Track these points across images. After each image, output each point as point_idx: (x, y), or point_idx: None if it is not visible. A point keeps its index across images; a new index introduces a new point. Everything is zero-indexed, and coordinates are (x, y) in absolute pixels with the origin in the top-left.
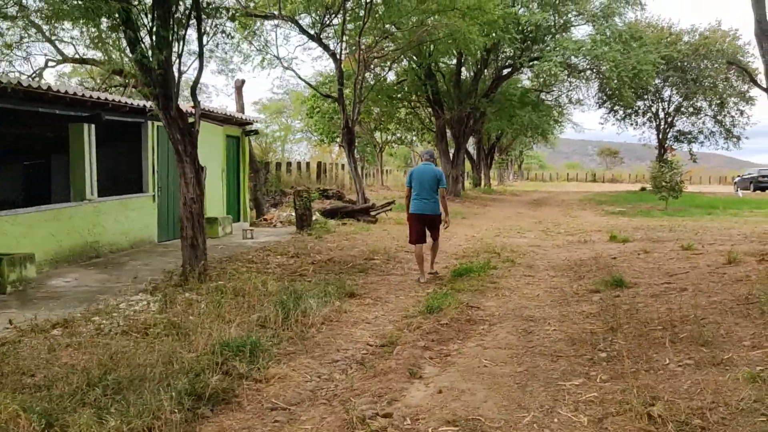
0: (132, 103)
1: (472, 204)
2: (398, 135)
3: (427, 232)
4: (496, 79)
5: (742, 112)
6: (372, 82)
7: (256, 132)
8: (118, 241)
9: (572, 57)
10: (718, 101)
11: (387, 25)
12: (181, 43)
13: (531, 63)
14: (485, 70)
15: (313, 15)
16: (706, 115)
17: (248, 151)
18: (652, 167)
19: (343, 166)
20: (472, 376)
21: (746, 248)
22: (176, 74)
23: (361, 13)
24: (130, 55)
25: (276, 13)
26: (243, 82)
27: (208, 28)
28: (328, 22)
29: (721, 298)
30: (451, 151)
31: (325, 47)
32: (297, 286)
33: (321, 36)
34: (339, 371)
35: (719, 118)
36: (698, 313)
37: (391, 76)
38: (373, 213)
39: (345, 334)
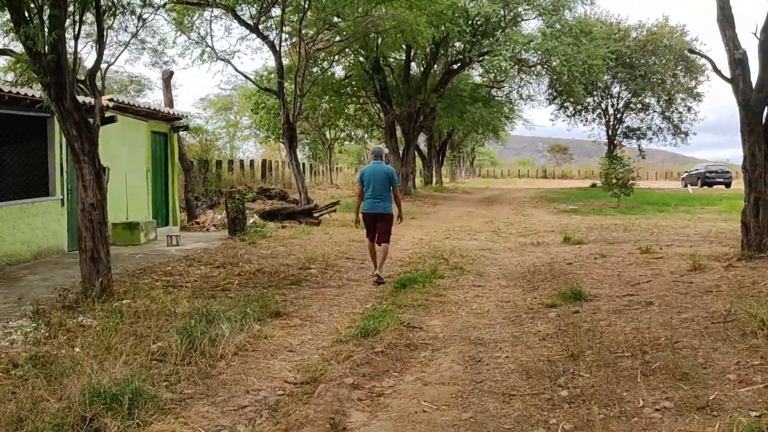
0: (34, 96)
1: (422, 203)
2: (347, 132)
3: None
4: (446, 74)
5: (689, 109)
6: (317, 76)
7: (185, 128)
8: (17, 251)
9: (522, 51)
10: (666, 97)
11: (331, 16)
12: (78, 24)
13: (481, 57)
14: (435, 65)
15: (252, 4)
16: (655, 111)
17: (177, 149)
18: (602, 163)
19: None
20: (407, 427)
21: (708, 251)
22: (88, 62)
23: (303, 2)
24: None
25: (210, 0)
26: (171, 73)
27: (116, 11)
28: (267, 11)
29: (692, 314)
30: (402, 148)
31: (264, 38)
32: (212, 306)
33: (260, 26)
34: (244, 422)
35: (667, 114)
36: (670, 334)
37: (339, 71)
38: (316, 214)
39: (260, 367)
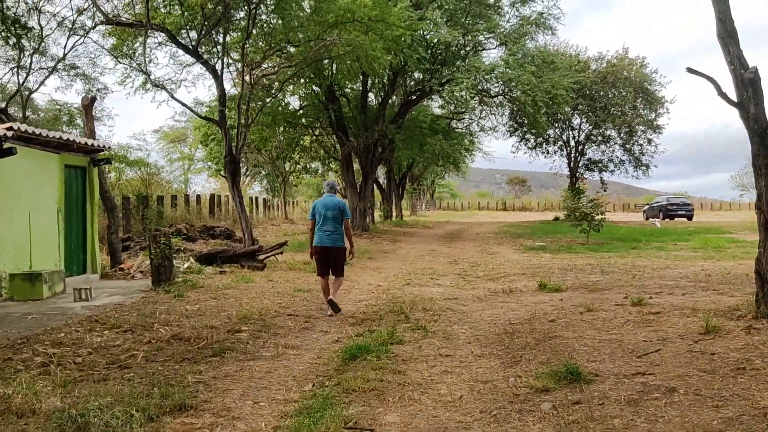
0: None
1: (381, 240)
2: (302, 165)
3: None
4: (404, 104)
5: (649, 141)
6: (265, 105)
7: (107, 161)
8: None
9: (484, 81)
10: (627, 129)
11: (279, 40)
12: None
13: (441, 86)
14: (393, 95)
15: (193, 28)
16: (616, 143)
17: (99, 185)
18: (565, 196)
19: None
20: None
21: (709, 302)
22: None
23: (248, 24)
24: None
25: (144, 21)
26: (93, 99)
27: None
28: (208, 33)
29: (735, 410)
30: (359, 181)
31: (205, 62)
32: (92, 401)
33: (202, 50)
34: None
35: (628, 146)
36: None
37: (294, 101)
38: (261, 257)
39: None
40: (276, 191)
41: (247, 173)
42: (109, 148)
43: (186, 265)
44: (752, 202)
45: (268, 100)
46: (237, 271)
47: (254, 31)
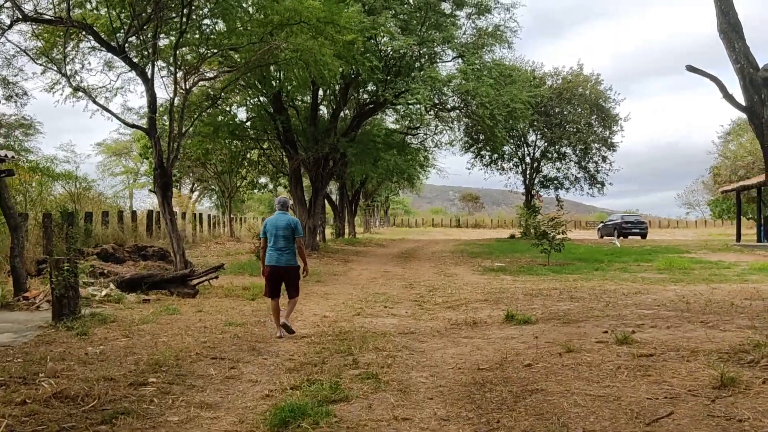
0: None
1: (331, 260)
2: (249, 179)
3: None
4: (357, 116)
5: (604, 158)
6: (202, 113)
7: (9, 173)
8: None
9: (441, 93)
10: (582, 147)
11: (219, 41)
12: None
13: (396, 97)
14: (345, 107)
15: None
16: (571, 160)
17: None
18: (520, 213)
19: (183, 215)
20: None
21: (704, 339)
22: None
23: (181, 22)
24: None
25: (63, 17)
26: None
27: None
28: (136, 31)
29: None
30: (310, 197)
31: (132, 64)
32: None
33: (132, 52)
34: None
35: (583, 163)
36: None
37: (242, 113)
38: (193, 282)
39: None
40: (223, 207)
41: (194, 188)
42: (13, 157)
43: (104, 293)
44: (699, 220)
45: (208, 110)
46: (164, 300)
47: (189, 31)
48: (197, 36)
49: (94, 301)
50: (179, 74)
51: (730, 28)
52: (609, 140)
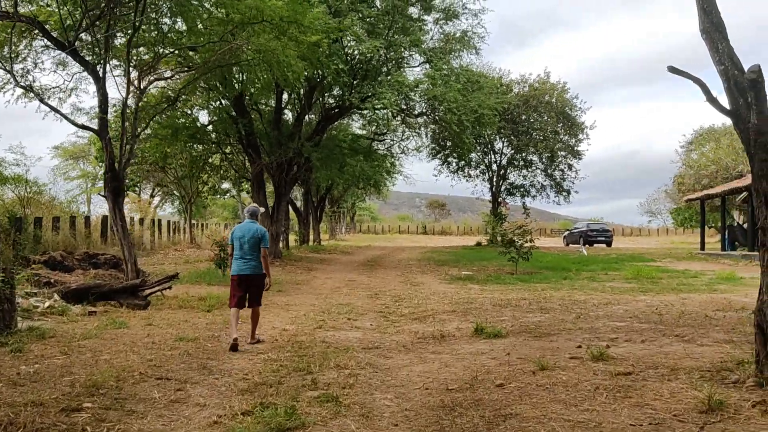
0: None
1: (295, 268)
2: (211, 185)
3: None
4: (323, 120)
5: (570, 166)
6: (158, 113)
7: None
8: None
9: (408, 97)
10: (549, 154)
11: (176, 39)
12: None
13: (363, 101)
14: (310, 111)
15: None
16: (538, 168)
17: None
18: (487, 221)
19: (142, 221)
20: None
21: (679, 353)
22: None
23: (135, 18)
24: None
25: (9, 12)
26: None
27: None
28: (88, 27)
29: None
30: (273, 203)
31: (83, 61)
32: None
33: (78, 46)
34: None
35: (549, 171)
36: None
37: (205, 116)
38: (148, 292)
39: None
40: (184, 213)
41: (154, 193)
42: None
43: (47, 305)
44: (660, 228)
45: (167, 112)
46: (111, 312)
47: (146, 29)
48: (154, 34)
49: (36, 314)
50: (133, 73)
51: (713, 27)
52: (575, 148)
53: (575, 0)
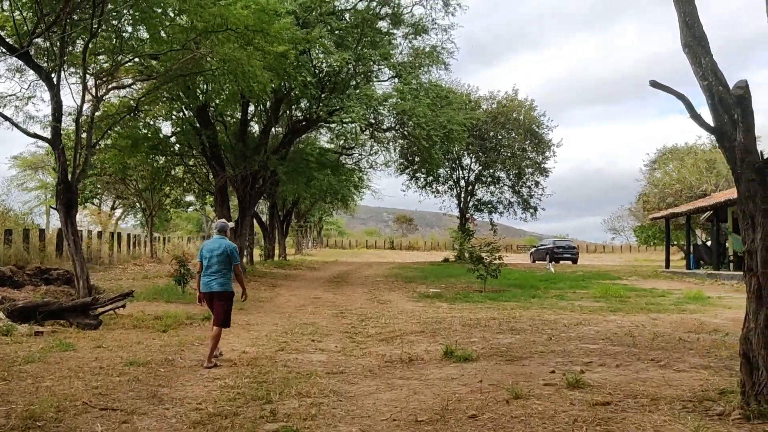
0: None
1: (258, 285)
2: (173, 197)
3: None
4: (289, 133)
5: (537, 183)
6: (120, 123)
7: None
8: None
9: (377, 111)
10: (516, 171)
11: (136, 46)
12: None
13: (330, 114)
14: (277, 124)
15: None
16: (505, 184)
17: None
18: (454, 237)
19: (100, 234)
20: None
21: (657, 379)
22: None
23: (93, 23)
24: None
25: None
26: None
27: None
28: (44, 32)
29: None
30: (237, 217)
31: (36, 67)
32: None
33: (33, 51)
34: None
35: (517, 188)
36: None
37: (168, 127)
38: (97, 311)
39: None
40: (155, 226)
41: (115, 205)
42: None
43: None
44: (624, 245)
45: (128, 122)
46: (60, 332)
47: (106, 36)
48: (114, 41)
49: None
50: (91, 81)
51: (696, 41)
52: (542, 165)
53: (540, 20)
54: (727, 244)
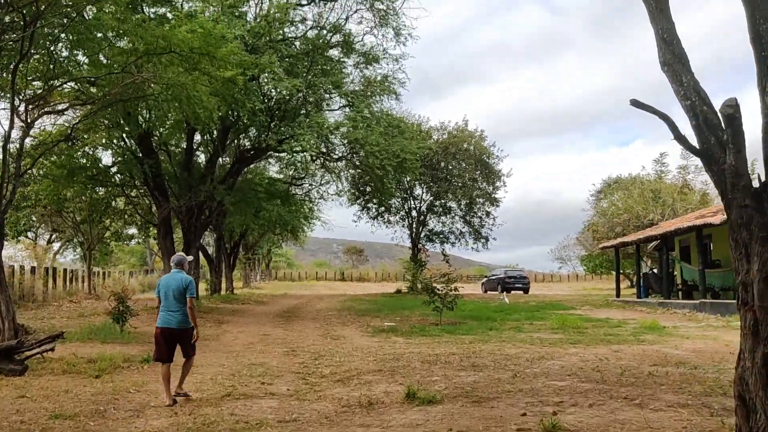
0: None
1: (205, 321)
2: (113, 230)
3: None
4: (237, 162)
5: (488, 213)
6: (48, 149)
7: None
8: None
9: (328, 140)
10: (467, 201)
11: (70, 68)
12: None
13: (281, 142)
14: (224, 153)
15: None
16: (457, 215)
17: None
18: (407, 267)
19: (33, 269)
20: None
21: (636, 422)
22: None
23: (25, 44)
24: None
25: None
26: None
27: None
28: None
29: None
30: (181, 250)
31: None
32: None
33: None
34: None
35: (468, 218)
36: None
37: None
38: (23, 355)
39: None
40: (96, 260)
41: (52, 239)
42: None
43: None
44: (571, 274)
45: (65, 150)
46: None
47: (40, 59)
48: (48, 65)
49: None
50: (20, 106)
51: (675, 59)
52: (492, 195)
53: (485, 55)
54: (674, 273)
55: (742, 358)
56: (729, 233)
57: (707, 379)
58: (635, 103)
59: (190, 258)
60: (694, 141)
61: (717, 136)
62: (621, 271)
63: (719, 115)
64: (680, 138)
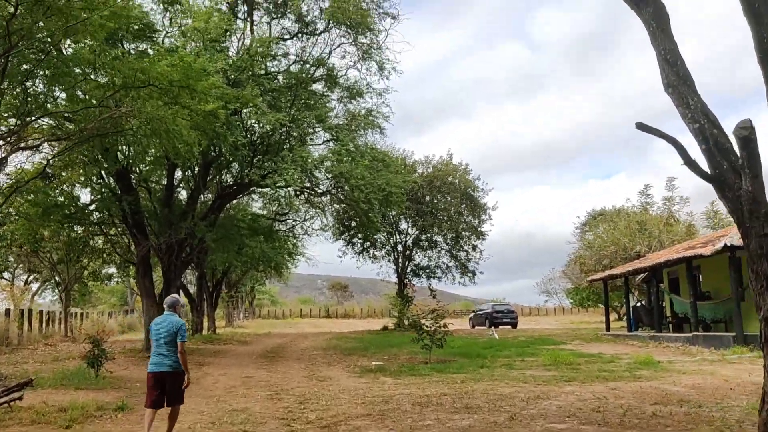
0: None
1: None
2: (91, 270)
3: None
4: (219, 197)
5: (474, 247)
6: (26, 189)
7: None
8: None
9: (312, 174)
10: (453, 235)
11: (44, 103)
12: None
13: (264, 177)
14: (206, 189)
15: None
16: (443, 248)
17: None
18: (394, 303)
19: (8, 311)
20: None
21: None
22: None
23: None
24: None
25: None
26: None
27: None
28: None
29: None
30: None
31: None
32: None
33: None
34: None
35: (454, 252)
36: None
37: (86, 195)
38: None
39: None
40: (76, 301)
41: (29, 280)
42: None
43: None
44: (557, 308)
45: (41, 188)
46: None
47: (8, 92)
48: (26, 100)
49: None
50: None
51: (680, 81)
52: (478, 229)
53: (466, 90)
54: (664, 305)
55: (767, 401)
56: (748, 264)
57: (714, 418)
58: (641, 127)
59: (183, 300)
60: (704, 166)
61: (730, 161)
62: (609, 304)
63: (731, 138)
64: (691, 163)
